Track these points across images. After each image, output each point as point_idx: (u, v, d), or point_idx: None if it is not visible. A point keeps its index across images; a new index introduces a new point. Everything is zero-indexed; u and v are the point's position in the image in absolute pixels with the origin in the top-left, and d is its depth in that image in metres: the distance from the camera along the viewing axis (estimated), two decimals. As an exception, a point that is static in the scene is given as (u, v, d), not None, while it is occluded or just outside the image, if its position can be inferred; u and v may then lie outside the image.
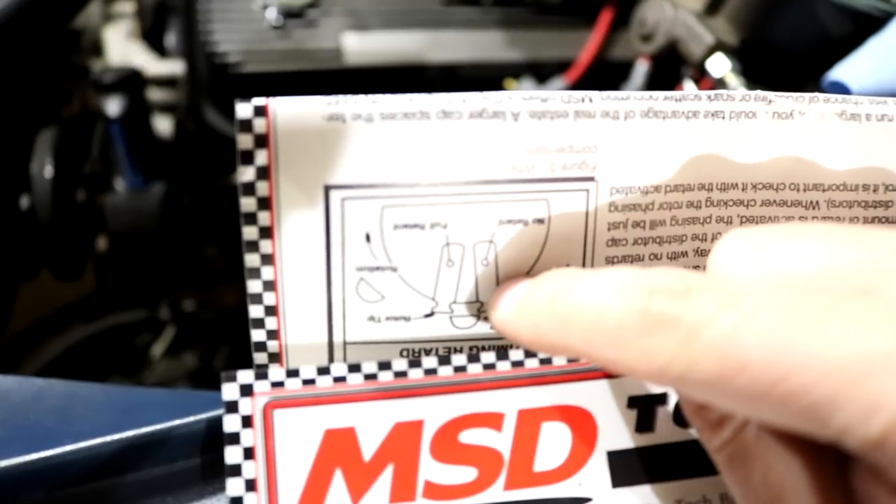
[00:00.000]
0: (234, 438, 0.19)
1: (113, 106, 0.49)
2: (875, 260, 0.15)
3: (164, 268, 0.52)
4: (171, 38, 0.55)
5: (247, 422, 0.19)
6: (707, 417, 0.18)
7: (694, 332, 0.14)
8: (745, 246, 0.16)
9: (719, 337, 0.14)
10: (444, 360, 0.20)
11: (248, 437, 0.19)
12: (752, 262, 0.16)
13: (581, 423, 0.21)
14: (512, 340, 0.19)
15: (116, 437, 0.22)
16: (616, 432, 0.21)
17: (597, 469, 0.21)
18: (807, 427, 0.14)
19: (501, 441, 0.21)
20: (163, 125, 0.54)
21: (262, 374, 0.20)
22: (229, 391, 0.20)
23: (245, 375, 0.20)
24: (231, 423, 0.19)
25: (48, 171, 0.42)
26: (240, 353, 0.58)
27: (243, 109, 0.18)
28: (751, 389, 0.14)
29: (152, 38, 0.56)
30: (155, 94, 0.54)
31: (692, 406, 0.18)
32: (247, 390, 0.20)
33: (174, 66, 0.54)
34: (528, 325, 0.18)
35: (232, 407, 0.19)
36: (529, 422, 0.21)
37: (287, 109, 0.18)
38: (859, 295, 0.14)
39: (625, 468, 0.21)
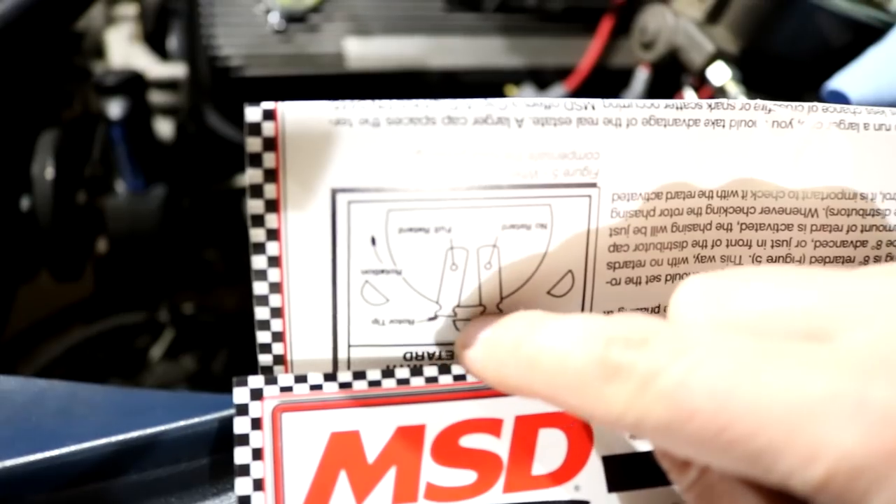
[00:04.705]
0: (244, 440, 0.20)
1: (114, 108, 0.49)
2: (827, 303, 0.15)
3: (164, 270, 0.51)
4: (173, 41, 0.55)
5: (256, 424, 0.20)
6: (673, 459, 0.18)
7: (647, 382, 0.15)
8: (702, 291, 0.17)
9: (669, 386, 0.14)
10: (445, 369, 0.21)
11: (257, 439, 0.20)
12: (708, 308, 0.16)
13: (577, 429, 0.22)
14: (479, 379, 0.20)
15: (119, 437, 0.22)
16: (611, 438, 0.22)
17: (593, 473, 0.21)
18: (753, 472, 0.14)
19: (500, 446, 0.21)
20: (164, 128, 0.54)
21: (271, 379, 0.20)
22: (240, 395, 0.20)
23: (255, 380, 0.20)
24: (241, 425, 0.20)
25: (49, 172, 0.43)
26: (239, 357, 0.58)
27: (252, 113, 0.18)
28: (699, 437, 0.14)
29: (154, 40, 0.56)
30: (156, 97, 0.54)
31: (659, 449, 0.19)
32: (257, 394, 0.20)
33: (176, 69, 0.54)
34: (494, 365, 0.19)
35: (242, 409, 0.20)
36: (527, 427, 0.21)
37: (295, 114, 0.18)
38: (808, 339, 0.15)
39: (620, 472, 0.22)
